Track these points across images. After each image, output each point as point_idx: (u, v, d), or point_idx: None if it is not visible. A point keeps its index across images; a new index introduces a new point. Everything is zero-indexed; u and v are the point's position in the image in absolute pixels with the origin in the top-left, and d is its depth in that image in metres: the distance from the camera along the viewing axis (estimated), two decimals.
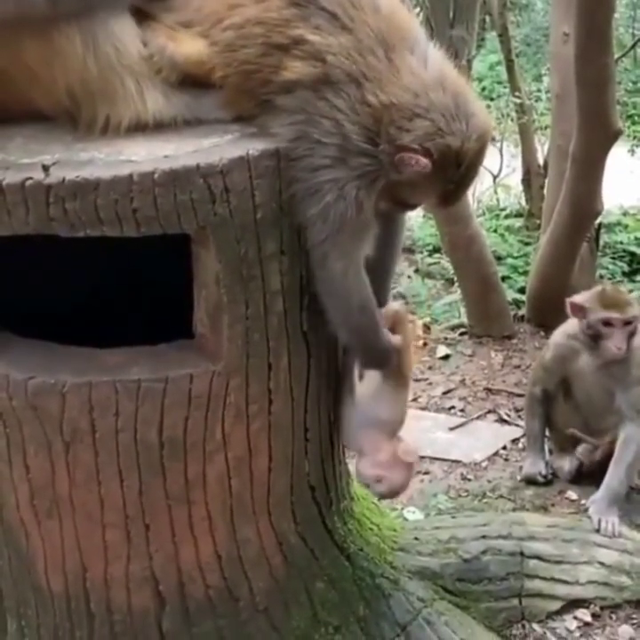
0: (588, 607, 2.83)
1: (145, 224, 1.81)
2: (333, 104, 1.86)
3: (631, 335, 3.37)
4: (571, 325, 3.56)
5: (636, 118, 11.50)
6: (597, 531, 3.11)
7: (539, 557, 2.86)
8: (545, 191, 6.16)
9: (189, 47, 1.89)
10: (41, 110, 1.90)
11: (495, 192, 8.75)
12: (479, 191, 8.32)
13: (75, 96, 1.85)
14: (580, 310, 3.43)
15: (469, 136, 1.88)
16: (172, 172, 1.79)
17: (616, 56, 5.35)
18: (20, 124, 1.91)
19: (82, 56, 1.81)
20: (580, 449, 3.65)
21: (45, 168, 1.77)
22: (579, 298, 3.48)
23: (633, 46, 8.71)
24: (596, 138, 4.60)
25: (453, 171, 1.91)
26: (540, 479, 3.64)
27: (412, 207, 2.16)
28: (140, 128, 1.89)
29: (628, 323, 3.35)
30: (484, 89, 12.17)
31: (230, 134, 1.92)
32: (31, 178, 1.76)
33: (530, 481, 3.66)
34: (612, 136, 4.62)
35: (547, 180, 6.11)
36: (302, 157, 1.88)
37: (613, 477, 3.35)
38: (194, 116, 1.93)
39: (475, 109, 1.91)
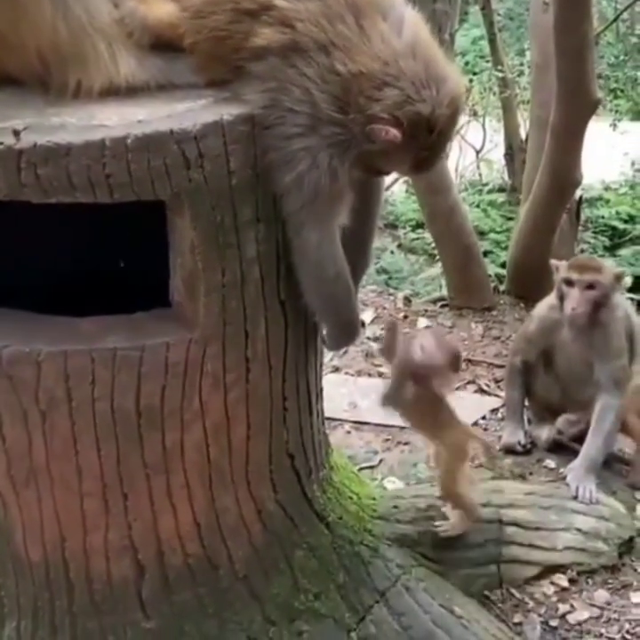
0: (565, 573, 2.86)
1: (118, 190, 1.79)
2: (303, 72, 1.84)
3: (597, 304, 3.39)
4: (554, 297, 3.59)
5: (618, 92, 11.50)
6: (575, 498, 3.13)
7: (517, 524, 2.88)
8: (525, 163, 6.17)
9: (160, 10, 1.87)
10: (11, 75, 1.87)
11: (478, 167, 8.76)
12: (462, 166, 8.32)
13: (45, 60, 1.83)
14: (556, 270, 3.48)
15: (440, 102, 1.86)
16: (145, 138, 1.77)
17: (599, 29, 5.34)
18: None
19: (51, 19, 1.79)
20: (560, 420, 3.68)
21: (16, 133, 1.74)
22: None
23: (615, 19, 8.66)
24: (575, 107, 4.59)
25: (426, 137, 1.89)
26: (519, 448, 3.66)
27: (387, 173, 2.15)
28: (113, 92, 1.86)
29: (589, 287, 3.37)
30: (466, 63, 12.13)
31: (204, 99, 1.91)
32: (2, 143, 1.73)
33: (509, 450, 3.67)
34: (592, 105, 4.61)
35: (527, 152, 6.11)
36: (275, 125, 1.87)
37: (591, 446, 3.37)
38: (167, 80, 1.91)
39: (446, 74, 1.89)
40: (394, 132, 1.83)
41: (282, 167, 1.88)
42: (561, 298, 3.44)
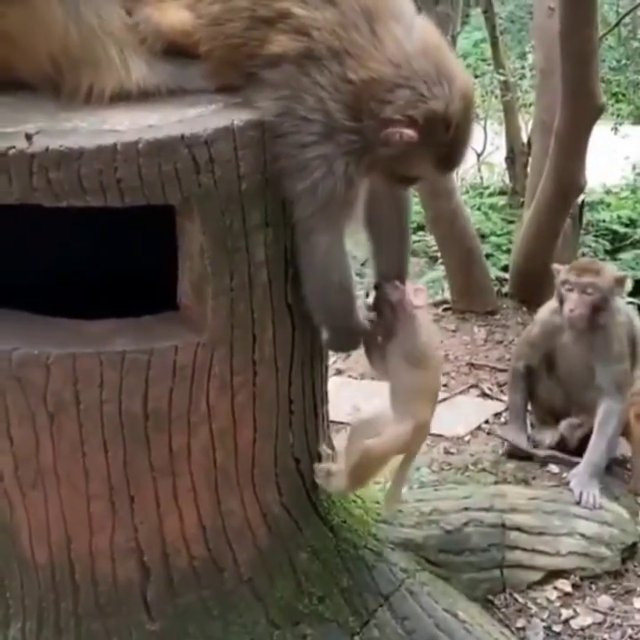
0: (568, 578, 2.87)
1: (129, 194, 1.79)
2: (316, 81, 1.83)
3: (595, 307, 3.40)
4: (555, 301, 3.60)
5: (619, 96, 11.52)
6: (578, 503, 3.14)
7: (520, 529, 2.89)
8: (528, 167, 6.18)
9: (174, 17, 1.88)
10: (23, 79, 1.88)
11: (479, 170, 8.76)
12: (463, 169, 8.31)
13: (57, 64, 1.83)
14: (557, 273, 3.51)
15: (453, 98, 1.85)
16: (156, 142, 1.77)
17: (601, 33, 5.35)
18: (1, 92, 1.89)
19: (63, 23, 1.79)
20: (563, 424, 3.69)
21: (28, 137, 1.75)
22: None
23: (617, 24, 8.70)
24: (579, 112, 4.60)
25: (443, 134, 1.87)
26: (522, 453, 3.68)
27: (415, 180, 2.12)
28: (124, 97, 1.87)
29: (587, 290, 3.39)
30: (468, 66, 12.11)
31: (215, 104, 1.91)
32: (14, 147, 1.74)
33: (512, 454, 3.69)
34: (596, 110, 4.63)
35: (530, 156, 6.12)
36: (289, 134, 1.86)
37: (594, 451, 3.38)
38: (178, 85, 1.92)
39: (456, 71, 1.89)
40: (408, 133, 1.82)
41: (294, 174, 1.87)
42: (561, 301, 3.46)
